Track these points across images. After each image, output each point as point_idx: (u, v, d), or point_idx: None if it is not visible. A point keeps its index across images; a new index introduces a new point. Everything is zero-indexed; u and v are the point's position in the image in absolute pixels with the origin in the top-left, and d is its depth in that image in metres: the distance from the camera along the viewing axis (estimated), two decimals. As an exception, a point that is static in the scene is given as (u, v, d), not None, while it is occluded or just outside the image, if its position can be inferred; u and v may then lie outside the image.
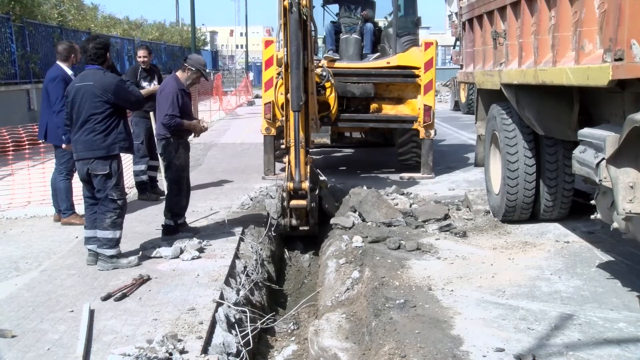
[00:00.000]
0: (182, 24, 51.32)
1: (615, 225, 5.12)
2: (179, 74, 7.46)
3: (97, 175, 6.44)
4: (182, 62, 7.58)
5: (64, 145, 7.80)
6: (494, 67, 8.07)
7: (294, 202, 7.93)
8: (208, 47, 61.98)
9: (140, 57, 9.86)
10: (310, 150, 13.11)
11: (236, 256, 6.99)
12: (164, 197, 8.11)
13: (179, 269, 6.43)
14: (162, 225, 7.65)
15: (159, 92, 7.47)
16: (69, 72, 8.02)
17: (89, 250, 6.60)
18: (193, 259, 6.74)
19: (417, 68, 11.26)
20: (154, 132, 8.35)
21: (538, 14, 6.55)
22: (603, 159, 5.09)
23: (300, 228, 8.18)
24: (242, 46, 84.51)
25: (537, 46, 6.60)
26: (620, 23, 4.79)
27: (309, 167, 8.13)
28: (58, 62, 8.12)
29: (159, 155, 7.82)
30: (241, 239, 7.55)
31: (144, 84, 9.66)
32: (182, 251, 6.88)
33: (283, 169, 12.16)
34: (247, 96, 34.71)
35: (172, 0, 70.49)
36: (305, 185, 7.88)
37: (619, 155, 4.91)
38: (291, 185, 7.86)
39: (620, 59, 4.79)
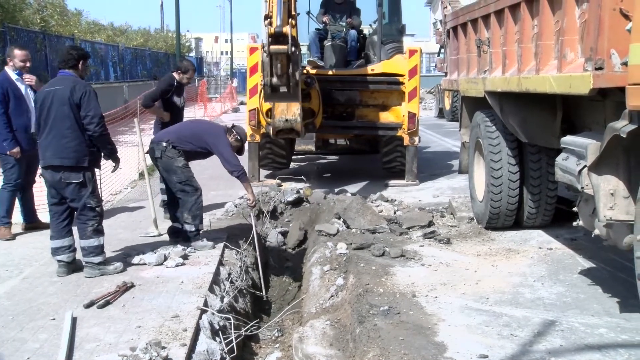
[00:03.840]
0: (167, 31, 51.22)
1: (596, 232, 5.16)
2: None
3: (70, 183, 6.28)
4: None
5: (8, 152, 7.66)
6: (478, 74, 8.12)
7: (274, 47, 7.63)
8: (193, 54, 61.86)
9: (189, 77, 9.21)
10: (294, 157, 13.29)
11: (220, 263, 6.98)
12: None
13: (163, 276, 6.41)
14: (175, 231, 7.52)
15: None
16: (13, 76, 7.83)
17: (59, 261, 6.46)
18: (177, 265, 6.72)
19: (402, 75, 11.31)
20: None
21: (521, 23, 6.61)
22: (585, 166, 5.14)
23: (281, 89, 7.93)
24: (227, 53, 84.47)
25: (520, 54, 6.65)
26: (600, 33, 4.84)
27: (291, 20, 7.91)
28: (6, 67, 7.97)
29: (153, 161, 7.66)
30: (226, 246, 7.54)
31: (175, 99, 9.13)
32: (166, 258, 6.85)
33: (268, 176, 12.21)
34: (232, 103, 34.69)
35: (157, 6, 70.70)
36: (286, 29, 7.63)
37: (600, 163, 4.96)
38: (272, 29, 7.59)
39: (600, 68, 4.84)
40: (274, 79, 7.84)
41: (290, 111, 9.64)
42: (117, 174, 9.94)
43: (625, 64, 4.68)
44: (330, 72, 11.55)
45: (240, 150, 7.78)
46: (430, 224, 8.63)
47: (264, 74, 7.90)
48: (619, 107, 4.79)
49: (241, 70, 54.38)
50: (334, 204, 9.02)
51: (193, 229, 7.45)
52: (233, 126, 7.73)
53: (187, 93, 28.68)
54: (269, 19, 7.79)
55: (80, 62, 6.49)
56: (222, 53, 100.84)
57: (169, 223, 7.82)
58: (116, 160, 6.74)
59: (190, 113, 25.86)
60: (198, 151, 7.49)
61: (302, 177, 11.12)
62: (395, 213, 9.28)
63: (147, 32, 43.34)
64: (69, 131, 6.24)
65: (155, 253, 6.92)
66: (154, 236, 7.89)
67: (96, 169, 6.57)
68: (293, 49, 7.71)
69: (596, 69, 4.91)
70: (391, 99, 11.56)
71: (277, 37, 7.62)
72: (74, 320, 5.19)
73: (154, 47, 40.83)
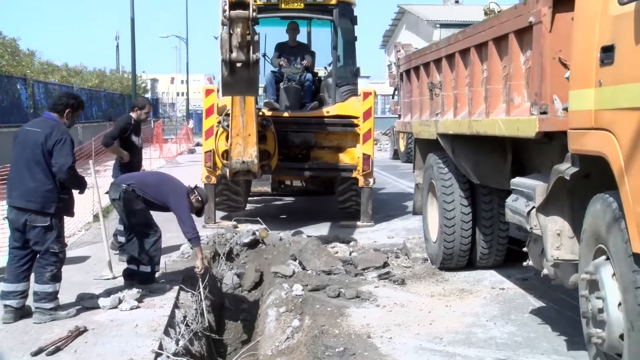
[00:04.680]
0: (122, 71, 51.08)
1: (545, 271, 5.29)
2: None
3: (36, 227, 6.17)
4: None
5: None
6: (430, 117, 8.30)
7: (234, 12, 7.40)
8: (149, 95, 61.73)
9: (147, 112, 9.21)
10: (250, 198, 13.29)
11: (176, 305, 6.93)
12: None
13: (117, 319, 6.33)
14: (130, 273, 7.43)
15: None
16: None
17: (7, 306, 6.25)
18: (132, 308, 6.65)
19: (356, 117, 11.47)
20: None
21: (471, 67, 6.81)
22: (533, 207, 5.29)
23: (239, 72, 7.63)
24: (182, 94, 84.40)
25: (471, 98, 6.84)
26: (543, 80, 5.05)
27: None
28: None
29: (112, 202, 7.60)
30: (181, 288, 7.49)
31: (134, 138, 9.09)
32: (120, 301, 6.77)
33: (224, 218, 12.18)
34: (187, 144, 34.58)
35: (113, 47, 70.38)
36: None
37: (547, 204, 5.11)
38: None
39: (545, 113, 5.04)
40: (233, 54, 7.52)
41: (247, 153, 9.70)
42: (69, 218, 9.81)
43: (566, 109, 4.87)
44: (285, 114, 11.67)
45: (200, 212, 7.81)
46: (385, 265, 8.70)
47: (223, 51, 7.55)
48: (563, 150, 4.96)
49: (197, 111, 54.37)
50: (290, 246, 9.05)
51: (149, 270, 7.41)
52: (196, 187, 7.74)
53: (143, 135, 28.62)
54: None
55: (67, 110, 6.43)
56: (178, 94, 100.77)
57: (123, 265, 7.75)
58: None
59: (146, 154, 25.67)
60: (156, 204, 7.46)
61: (258, 218, 11.12)
62: (350, 254, 9.34)
63: (102, 73, 43.17)
64: (40, 175, 6.16)
65: (109, 296, 6.83)
66: (108, 279, 7.80)
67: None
68: (254, 14, 7.54)
69: (541, 113, 5.10)
70: (346, 141, 11.70)
71: (237, 4, 7.46)
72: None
73: (110, 88, 40.65)
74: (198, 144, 31.91)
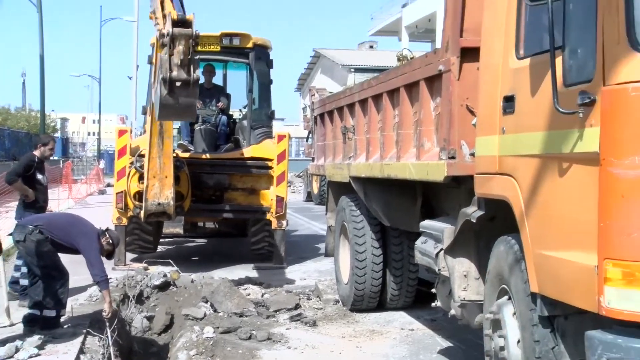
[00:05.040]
0: (29, 110, 49.72)
1: (452, 312, 5.44)
2: None
3: None
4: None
5: None
6: (343, 160, 8.44)
7: (177, 29, 7.28)
8: (58, 134, 60.28)
9: (51, 149, 8.90)
10: (162, 240, 13.10)
11: (81, 351, 6.70)
12: None
13: (13, 370, 6.02)
14: (32, 319, 7.09)
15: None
16: None
17: None
18: (31, 357, 6.22)
19: (271, 160, 11.54)
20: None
21: (384, 112, 7.00)
22: (441, 249, 5.44)
23: (179, 94, 7.38)
24: (94, 133, 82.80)
25: (383, 142, 7.01)
26: (451, 126, 5.26)
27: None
28: None
29: (15, 244, 7.34)
30: (88, 333, 7.26)
31: (39, 176, 8.76)
32: (17, 350, 6.29)
33: (134, 259, 11.94)
34: (98, 184, 33.81)
35: (19, 84, 68.35)
36: (190, 16, 7.46)
37: (454, 246, 5.28)
38: (175, 14, 7.38)
39: (453, 157, 5.23)
40: (174, 72, 7.39)
41: (163, 195, 9.64)
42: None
43: (473, 154, 5.08)
44: (200, 156, 11.63)
45: (110, 255, 7.65)
46: (297, 306, 8.71)
47: (163, 70, 7.43)
48: (470, 194, 5.15)
49: (109, 151, 53.34)
50: (202, 288, 8.94)
51: (54, 315, 7.16)
52: (107, 229, 7.59)
53: (50, 175, 27.77)
54: (165, 10, 7.70)
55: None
56: (89, 134, 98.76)
57: (24, 311, 7.43)
58: None
59: (54, 195, 24.97)
60: (65, 246, 7.25)
61: (170, 260, 10.96)
62: (262, 296, 9.30)
63: (6, 110, 41.99)
64: None
65: (4, 345, 6.44)
66: (5, 326, 7.44)
67: None
68: (197, 32, 7.48)
69: (449, 158, 5.29)
70: (260, 183, 11.73)
71: (179, 23, 7.41)
72: None
73: (15, 126, 39.51)
74: (109, 185, 31.23)
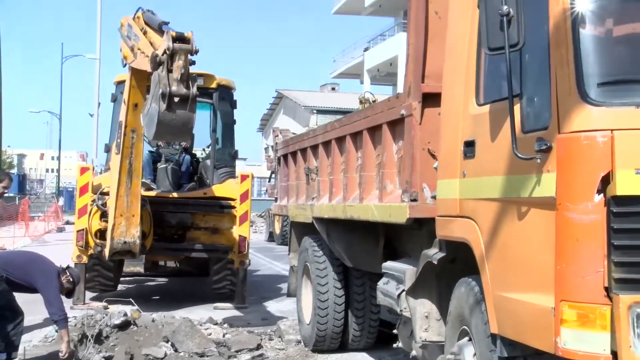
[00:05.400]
0: (-18, 146, 48.86)
1: (414, 353, 5.50)
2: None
3: None
4: None
5: None
6: (306, 201, 8.51)
7: (177, 45, 7.37)
8: (15, 170, 59.35)
9: (5, 186, 8.26)
10: (122, 279, 12.96)
11: (37, 393, 6.57)
12: None
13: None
14: None
15: None
16: None
17: None
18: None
19: (233, 199, 11.57)
20: None
21: (347, 154, 7.09)
22: (403, 290, 5.51)
23: (177, 110, 7.41)
24: (53, 170, 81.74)
25: (346, 183, 7.09)
26: (413, 169, 5.38)
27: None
28: None
29: None
30: (43, 374, 7.14)
31: None
32: None
33: (94, 298, 11.78)
34: (56, 222, 33.33)
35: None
36: (190, 34, 7.54)
37: (416, 288, 5.35)
38: (173, 32, 7.47)
39: (415, 200, 5.34)
40: (174, 87, 7.41)
41: (129, 233, 9.66)
42: None
43: (434, 197, 5.20)
44: (162, 195, 11.61)
45: (70, 293, 7.58)
46: (259, 347, 8.67)
47: (162, 85, 7.42)
48: (432, 236, 5.24)
49: (68, 188, 52.72)
50: (163, 327, 8.85)
51: (4, 358, 7.02)
52: (67, 267, 7.52)
53: (6, 212, 27.36)
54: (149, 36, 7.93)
55: None
56: (47, 170, 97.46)
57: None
58: None
59: (9, 232, 24.56)
60: (22, 285, 7.15)
61: (130, 299, 10.84)
62: (224, 336, 9.24)
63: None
64: None
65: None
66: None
67: None
68: (196, 47, 7.58)
69: (411, 200, 5.40)
70: (222, 222, 11.74)
71: (177, 39, 7.49)
72: None
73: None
74: (68, 222, 30.85)
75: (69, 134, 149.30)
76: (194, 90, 7.53)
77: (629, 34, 4.06)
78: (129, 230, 9.69)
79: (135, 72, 9.16)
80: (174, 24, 8.43)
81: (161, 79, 7.42)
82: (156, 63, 7.54)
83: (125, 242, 9.69)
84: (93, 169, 11.76)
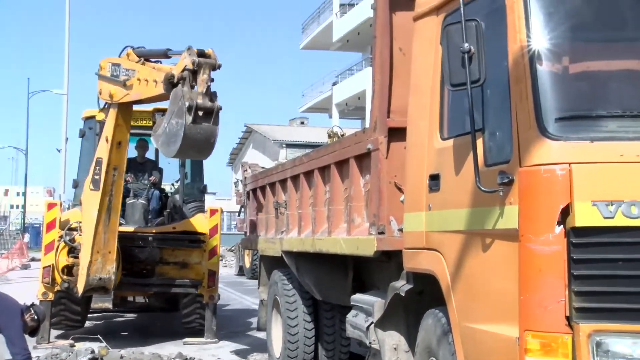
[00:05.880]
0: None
1: (384, 384, 5.51)
2: None
3: None
4: None
5: None
6: (275, 235, 8.54)
7: (202, 59, 7.62)
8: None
9: None
10: (90, 315, 12.80)
11: None
12: None
13: None
14: None
15: None
16: None
17: None
18: None
19: (203, 234, 11.56)
20: None
21: (315, 188, 7.17)
22: (372, 322, 5.55)
23: (200, 112, 7.55)
24: (18, 206, 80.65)
25: (314, 217, 7.15)
26: (380, 202, 5.46)
27: None
28: None
29: None
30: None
31: None
32: None
33: (60, 336, 11.60)
34: (21, 259, 32.78)
35: None
36: (210, 50, 7.76)
37: (384, 320, 5.40)
38: (195, 49, 7.67)
39: (382, 233, 5.41)
40: (199, 100, 7.52)
41: (105, 270, 9.73)
42: None
43: (401, 230, 5.28)
44: (131, 230, 11.55)
45: (34, 332, 7.46)
46: (230, 382, 8.62)
47: (186, 99, 7.51)
48: (400, 268, 5.31)
49: (34, 225, 52.00)
50: (131, 364, 8.77)
51: None
52: (32, 305, 7.42)
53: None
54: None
55: None
56: (12, 207, 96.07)
57: None
58: None
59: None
60: None
61: (98, 335, 10.72)
62: (194, 372, 9.18)
63: None
64: None
65: None
66: None
67: None
68: (219, 62, 7.78)
69: (379, 233, 5.47)
70: (192, 257, 11.69)
71: (200, 55, 7.70)
72: None
73: None
74: (34, 259, 30.38)
75: (35, 169, 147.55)
76: (217, 103, 7.72)
77: (583, 71, 4.22)
78: (104, 266, 9.75)
79: (123, 110, 9.31)
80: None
81: (185, 94, 7.53)
82: (169, 83, 7.75)
83: (100, 279, 9.74)
84: (61, 204, 11.69)
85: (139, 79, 8.66)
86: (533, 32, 3.93)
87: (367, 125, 6.11)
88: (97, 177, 9.61)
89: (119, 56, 9.28)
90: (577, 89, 4.08)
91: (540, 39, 3.94)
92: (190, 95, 7.53)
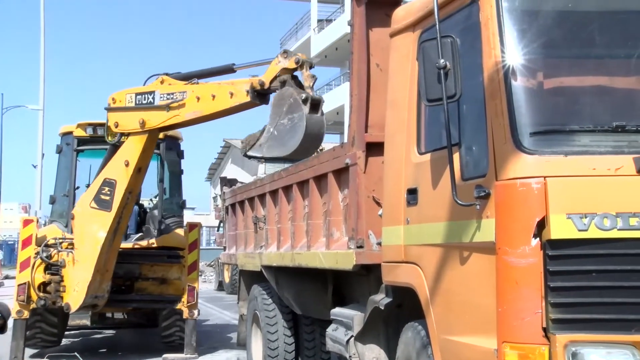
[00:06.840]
0: None
1: (364, 398, 5.53)
2: None
3: None
4: None
5: None
6: (255, 249, 8.54)
7: (304, 57, 7.63)
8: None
9: None
10: (67, 332, 12.67)
11: None
12: None
13: None
14: None
15: None
16: None
17: None
18: None
19: (182, 249, 11.52)
20: None
21: (294, 202, 7.19)
22: (352, 336, 5.57)
23: (315, 101, 7.32)
24: (-7, 222, 79.59)
25: (293, 231, 7.17)
26: (359, 216, 5.50)
27: None
28: None
29: None
30: None
31: None
32: None
33: (34, 355, 11.47)
34: (-7, 277, 32.36)
35: None
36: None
37: (364, 333, 5.43)
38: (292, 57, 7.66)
39: (361, 247, 5.45)
40: (311, 93, 7.45)
41: (101, 288, 9.76)
42: None
43: (380, 243, 5.32)
44: (109, 245, 11.48)
45: (1, 329, 7.37)
46: (209, 398, 8.59)
47: (298, 92, 7.40)
48: (379, 282, 5.35)
49: (8, 241, 51.41)
50: (110, 382, 8.72)
51: None
52: None
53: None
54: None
55: None
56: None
57: None
58: None
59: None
60: None
61: (75, 353, 10.63)
62: (173, 388, 9.13)
63: None
64: None
65: None
66: None
67: None
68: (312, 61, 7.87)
69: (358, 247, 5.51)
70: (171, 272, 11.63)
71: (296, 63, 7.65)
72: None
73: None
74: (7, 277, 30.03)
75: (10, 185, 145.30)
76: (319, 96, 7.67)
77: (557, 86, 4.30)
78: (101, 285, 9.79)
79: (152, 136, 9.28)
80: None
81: (296, 89, 7.46)
82: (255, 92, 7.81)
83: (96, 297, 9.76)
84: (37, 220, 11.59)
85: (197, 97, 8.54)
86: (507, 48, 4.00)
87: (346, 140, 6.15)
88: (106, 197, 9.49)
89: (144, 84, 9.12)
90: (551, 104, 4.15)
91: (515, 55, 4.01)
92: (297, 91, 7.45)
